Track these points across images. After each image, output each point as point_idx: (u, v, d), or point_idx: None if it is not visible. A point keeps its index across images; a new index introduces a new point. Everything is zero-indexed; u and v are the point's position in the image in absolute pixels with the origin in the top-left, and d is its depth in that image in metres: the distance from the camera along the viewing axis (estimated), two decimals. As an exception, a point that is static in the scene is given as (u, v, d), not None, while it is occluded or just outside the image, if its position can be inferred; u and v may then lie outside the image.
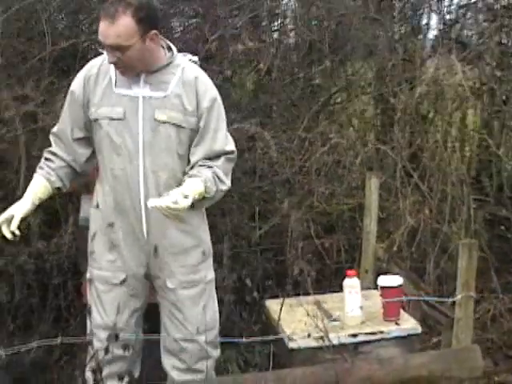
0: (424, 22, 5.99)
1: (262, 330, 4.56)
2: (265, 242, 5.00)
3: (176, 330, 3.21)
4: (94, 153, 3.23)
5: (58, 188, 3.22)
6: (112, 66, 3.06)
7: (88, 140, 3.21)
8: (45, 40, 4.46)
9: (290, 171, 4.96)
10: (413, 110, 5.16)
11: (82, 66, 3.23)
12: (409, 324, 3.45)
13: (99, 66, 3.12)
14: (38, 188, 3.15)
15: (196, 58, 3.25)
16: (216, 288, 4.53)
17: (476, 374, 3.18)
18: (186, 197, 2.86)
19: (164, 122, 3.05)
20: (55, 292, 4.60)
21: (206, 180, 3.00)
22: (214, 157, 3.10)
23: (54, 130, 3.27)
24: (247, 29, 5.06)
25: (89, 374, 3.06)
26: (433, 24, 5.95)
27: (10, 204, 4.13)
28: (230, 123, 4.74)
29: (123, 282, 3.17)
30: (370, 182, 4.45)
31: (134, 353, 3.26)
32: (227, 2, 5.08)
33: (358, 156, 5.09)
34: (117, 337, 2.90)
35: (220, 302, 4.59)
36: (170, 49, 3.15)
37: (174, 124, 3.06)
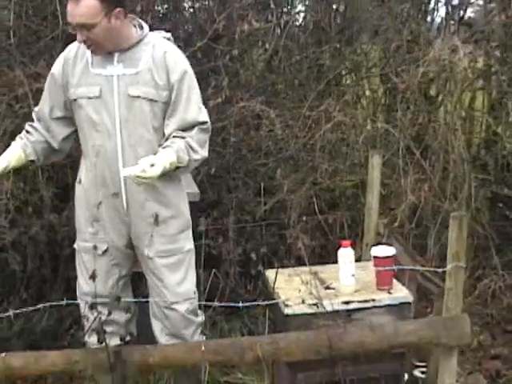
0: (430, 4, 6.06)
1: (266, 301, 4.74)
2: (270, 217, 5.12)
3: (157, 298, 3.36)
4: (73, 132, 3.40)
5: (32, 161, 3.39)
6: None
7: (67, 120, 3.37)
8: (57, 20, 4.61)
9: (294, 148, 5.08)
10: (416, 90, 5.22)
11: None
12: (400, 293, 3.54)
13: (77, 49, 3.29)
14: (13, 156, 3.31)
15: (169, 35, 3.39)
16: (222, 261, 4.73)
17: (464, 342, 3.27)
18: (152, 165, 3.00)
19: (137, 97, 3.20)
20: (66, 263, 4.75)
21: (178, 150, 3.14)
22: (187, 128, 3.23)
23: (36, 108, 3.47)
24: (254, 9, 5.16)
25: (91, 339, 3.34)
26: (439, 6, 6.03)
27: (24, 177, 4.34)
28: (236, 101, 4.93)
29: (105, 252, 3.35)
30: (372, 159, 4.49)
31: (126, 317, 3.46)
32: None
33: (361, 134, 5.18)
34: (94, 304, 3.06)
35: (226, 274, 4.79)
36: (142, 27, 3.29)
37: (146, 98, 3.20)
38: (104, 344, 3.01)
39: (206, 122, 3.31)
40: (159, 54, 3.22)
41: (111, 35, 3.14)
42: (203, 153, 3.30)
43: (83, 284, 3.48)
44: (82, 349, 3.27)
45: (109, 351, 3.00)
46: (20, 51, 4.59)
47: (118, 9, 3.11)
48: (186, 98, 3.24)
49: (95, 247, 3.31)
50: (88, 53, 3.24)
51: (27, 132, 3.40)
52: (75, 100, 3.27)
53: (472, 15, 6.14)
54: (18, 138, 3.39)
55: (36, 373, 3.15)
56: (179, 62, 3.25)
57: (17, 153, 3.33)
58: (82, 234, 3.47)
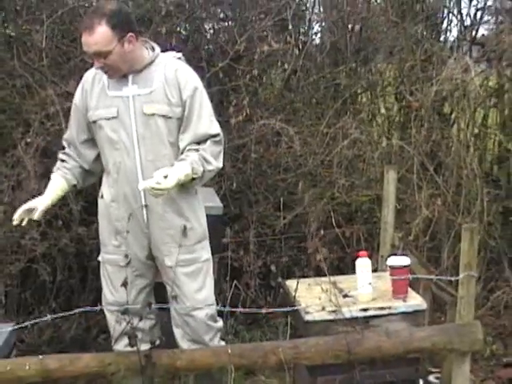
0: (443, 25, 6.24)
1: (286, 312, 4.89)
2: (289, 230, 5.29)
3: (176, 306, 3.50)
4: (100, 154, 3.57)
5: (74, 185, 3.61)
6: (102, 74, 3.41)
7: (93, 141, 3.55)
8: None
9: (312, 164, 5.25)
10: (430, 108, 5.38)
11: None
12: (415, 301, 3.69)
13: (93, 76, 3.47)
14: (57, 186, 3.53)
15: (180, 55, 3.55)
16: (243, 273, 4.89)
17: (477, 348, 3.43)
18: (166, 177, 3.16)
19: (152, 115, 3.36)
20: (94, 274, 4.91)
21: (192, 162, 3.30)
22: (201, 141, 3.38)
23: (65, 136, 3.66)
24: (273, 31, 5.34)
25: (118, 346, 3.55)
26: (452, 27, 6.20)
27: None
28: (256, 119, 5.11)
29: (128, 263, 3.45)
30: (387, 174, 4.63)
31: (151, 324, 3.62)
32: (255, 6, 5.40)
33: (376, 151, 5.34)
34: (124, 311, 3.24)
35: (246, 286, 4.94)
36: (153, 49, 3.47)
37: (161, 115, 3.37)
38: (135, 348, 3.20)
39: (218, 134, 3.46)
40: (171, 72, 3.39)
41: (126, 59, 3.32)
42: (217, 164, 3.44)
43: (108, 294, 3.64)
44: (115, 352, 3.43)
45: (140, 354, 3.19)
46: (52, 71, 4.78)
47: (129, 34, 3.29)
48: (198, 113, 3.40)
49: (119, 259, 3.49)
50: (104, 77, 3.42)
51: (62, 161, 3.60)
52: (94, 122, 3.45)
53: (484, 34, 6.30)
54: (55, 170, 3.58)
55: (71, 374, 3.27)
56: (190, 80, 3.42)
57: (60, 182, 3.53)
58: (105, 247, 3.62)
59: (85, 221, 4.87)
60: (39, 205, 3.37)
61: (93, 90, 3.45)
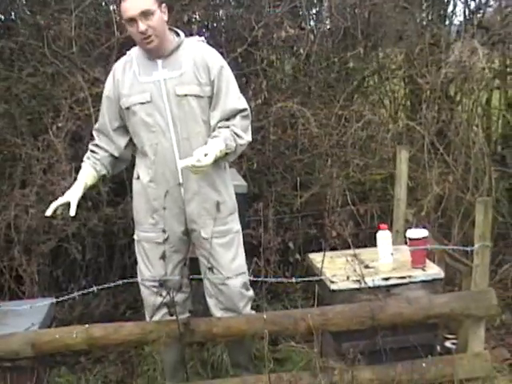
0: (449, 9, 6.43)
1: (304, 287, 5.10)
2: (306, 209, 5.49)
3: (212, 276, 3.69)
4: (130, 140, 3.75)
5: (104, 175, 3.80)
6: (134, 61, 3.60)
7: (124, 129, 3.73)
8: (111, 29, 5.00)
9: (328, 145, 5.42)
10: (438, 90, 5.58)
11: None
12: (433, 270, 3.92)
13: (124, 65, 3.65)
14: (87, 177, 3.70)
15: (202, 38, 3.77)
16: (262, 250, 5.08)
17: (491, 313, 3.66)
18: (206, 154, 3.35)
19: (185, 95, 3.55)
20: (121, 252, 5.16)
21: (226, 138, 3.50)
22: (230, 116, 3.58)
23: (96, 126, 3.81)
24: (288, 18, 5.51)
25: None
26: (458, 11, 6.39)
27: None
28: (274, 103, 5.29)
29: (165, 240, 3.62)
30: (400, 154, 4.82)
31: (184, 297, 3.82)
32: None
33: (389, 131, 5.53)
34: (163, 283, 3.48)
35: (266, 262, 5.14)
36: (178, 34, 3.66)
37: (193, 95, 3.56)
38: (174, 317, 3.42)
39: (246, 109, 3.66)
40: (198, 55, 3.59)
41: (163, 28, 3.52)
42: (247, 137, 3.65)
43: (145, 270, 3.79)
44: (155, 321, 3.64)
45: (179, 322, 3.41)
46: (80, 59, 4.97)
47: (163, 4, 3.52)
48: (226, 90, 3.60)
49: (156, 236, 3.67)
50: (134, 65, 3.61)
51: (92, 152, 3.77)
52: (128, 108, 3.61)
53: (489, 18, 6.46)
54: (85, 159, 3.76)
55: (115, 342, 3.50)
56: (216, 60, 3.62)
57: (90, 172, 3.72)
58: (141, 226, 3.78)
59: (112, 201, 5.07)
60: (72, 199, 3.52)
61: (124, 78, 3.61)
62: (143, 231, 3.77)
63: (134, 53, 3.65)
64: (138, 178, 3.72)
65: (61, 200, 3.51)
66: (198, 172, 3.43)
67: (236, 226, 3.80)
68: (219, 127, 3.57)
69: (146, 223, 3.74)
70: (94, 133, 3.81)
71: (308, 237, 5.42)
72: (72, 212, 3.49)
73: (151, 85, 3.56)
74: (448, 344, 4.32)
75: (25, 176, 4.84)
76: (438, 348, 4.12)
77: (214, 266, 3.68)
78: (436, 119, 5.60)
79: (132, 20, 3.43)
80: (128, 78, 3.61)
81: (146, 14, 3.41)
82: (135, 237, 3.83)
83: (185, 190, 3.62)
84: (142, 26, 3.42)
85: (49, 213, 3.48)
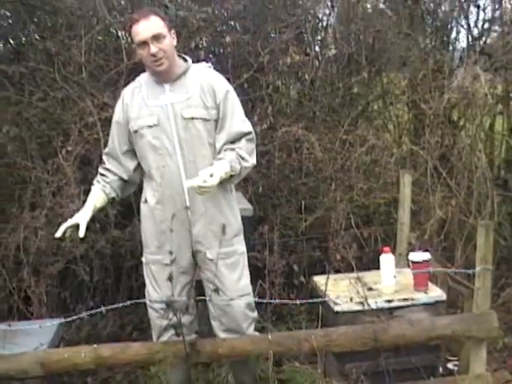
0: (452, 35, 6.53)
1: (308, 309, 5.15)
2: (310, 232, 5.54)
3: (216, 298, 3.71)
4: (139, 164, 3.81)
5: (113, 198, 3.86)
6: (143, 87, 3.69)
7: (132, 152, 3.79)
8: (120, 55, 5.10)
9: (332, 169, 5.50)
10: (441, 115, 5.66)
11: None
12: (435, 292, 3.99)
13: (132, 90, 3.74)
14: (97, 199, 3.77)
15: (209, 65, 3.86)
16: (267, 272, 5.13)
17: (493, 335, 3.69)
18: (211, 175, 3.41)
19: (191, 119, 3.63)
20: (128, 274, 5.22)
21: (231, 160, 3.56)
22: (235, 139, 3.65)
23: (106, 150, 3.87)
24: (293, 44, 5.61)
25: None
26: (460, 37, 6.48)
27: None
28: (279, 127, 5.37)
29: (172, 262, 3.67)
30: (403, 178, 4.89)
31: (190, 319, 3.84)
32: (276, 20, 5.67)
33: (392, 156, 5.61)
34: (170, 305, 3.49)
35: (271, 284, 5.18)
36: (185, 60, 3.75)
37: (199, 118, 3.63)
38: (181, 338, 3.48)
39: (251, 133, 3.73)
40: (204, 79, 3.68)
41: (173, 53, 3.62)
42: (252, 160, 3.71)
43: (152, 292, 3.83)
44: (162, 341, 3.70)
45: (185, 342, 3.47)
46: (89, 84, 5.06)
47: (173, 30, 3.64)
48: (231, 114, 3.67)
49: (163, 258, 3.72)
50: (143, 90, 3.69)
51: (102, 175, 3.83)
52: (136, 131, 3.69)
53: (492, 44, 6.55)
54: (95, 182, 3.82)
55: (122, 362, 3.56)
56: (221, 84, 3.71)
57: (99, 195, 3.78)
58: (148, 248, 3.83)
59: (120, 224, 5.13)
60: (81, 221, 3.57)
61: (133, 103, 3.70)
62: (150, 253, 3.82)
63: (143, 79, 3.74)
64: (146, 201, 3.78)
65: (70, 222, 3.57)
66: (203, 193, 3.47)
67: (241, 247, 3.85)
68: (225, 150, 3.64)
69: (153, 245, 3.79)
70: (104, 157, 3.86)
71: (312, 259, 5.47)
72: (81, 234, 3.55)
73: (159, 108, 3.64)
74: (450, 366, 4.37)
75: (34, 198, 4.91)
76: (441, 369, 4.19)
77: (219, 288, 3.71)
78: (439, 144, 5.66)
79: (144, 43, 3.52)
80: (136, 102, 3.69)
81: (157, 38, 3.51)
82: (143, 259, 3.87)
83: (191, 212, 3.68)
84: (154, 48, 3.51)
85: (58, 234, 3.53)
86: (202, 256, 3.76)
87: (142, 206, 3.82)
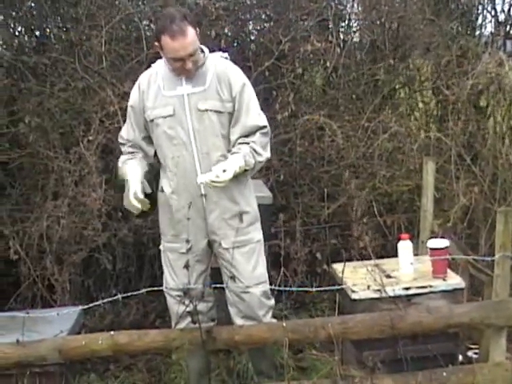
0: (478, 21, 6.44)
1: (331, 297, 5.13)
2: (333, 219, 5.53)
3: (233, 285, 3.75)
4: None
5: (148, 171, 3.84)
6: (159, 75, 3.68)
7: (150, 138, 3.81)
8: (141, 45, 5.13)
9: (354, 157, 5.48)
10: (466, 101, 5.60)
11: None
12: (454, 280, 3.95)
13: (149, 78, 3.73)
14: (139, 171, 3.73)
15: (226, 55, 3.83)
16: (290, 260, 5.13)
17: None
18: (224, 171, 3.44)
19: (206, 111, 3.64)
20: (151, 262, 5.25)
21: (245, 155, 3.57)
22: (250, 133, 3.65)
23: (125, 136, 3.84)
24: (315, 31, 5.59)
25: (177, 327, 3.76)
26: (486, 22, 6.40)
27: (114, 185, 4.80)
28: (301, 115, 5.36)
29: (189, 250, 3.67)
30: (426, 165, 4.87)
31: (208, 306, 3.88)
32: (298, 8, 5.64)
33: (415, 143, 5.57)
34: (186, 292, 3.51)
35: (294, 272, 5.19)
36: (202, 50, 3.72)
37: (214, 111, 3.64)
38: (197, 325, 3.49)
39: (266, 127, 3.72)
40: (221, 71, 3.67)
41: (199, 54, 3.64)
42: (266, 154, 3.71)
43: (170, 280, 3.87)
44: (178, 328, 3.71)
45: (202, 330, 3.49)
46: (110, 73, 5.09)
47: (197, 28, 3.60)
48: (246, 107, 3.67)
49: (179, 247, 3.75)
50: (158, 79, 3.69)
51: (130, 153, 3.84)
52: (152, 120, 3.70)
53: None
54: (128, 161, 3.78)
55: (139, 349, 3.59)
56: (238, 77, 3.70)
57: (139, 168, 3.75)
58: (166, 236, 3.87)
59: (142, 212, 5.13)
60: (137, 190, 3.63)
61: (149, 91, 3.70)
62: (167, 242, 3.86)
63: (159, 67, 3.74)
64: (162, 190, 3.80)
65: (132, 193, 3.61)
66: (215, 188, 3.51)
67: (257, 235, 3.85)
68: (239, 143, 3.65)
69: (170, 234, 3.82)
70: (125, 146, 3.86)
71: (335, 248, 5.43)
72: (147, 190, 3.69)
73: (175, 99, 3.65)
74: (470, 354, 4.34)
75: (57, 188, 4.96)
76: (461, 358, 4.15)
77: (235, 276, 3.75)
78: (463, 130, 5.60)
79: (180, 59, 3.53)
80: (153, 91, 3.70)
81: (193, 54, 3.54)
82: (161, 247, 3.92)
83: (206, 200, 3.69)
84: (189, 64, 3.54)
85: (140, 207, 3.65)
86: (217, 246, 3.78)
87: (160, 194, 3.84)
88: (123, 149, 3.88)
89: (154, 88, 3.70)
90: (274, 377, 3.97)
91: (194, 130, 3.63)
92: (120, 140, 3.90)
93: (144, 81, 3.75)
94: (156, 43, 3.57)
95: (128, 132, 3.84)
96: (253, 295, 3.78)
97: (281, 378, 3.94)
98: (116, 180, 4.85)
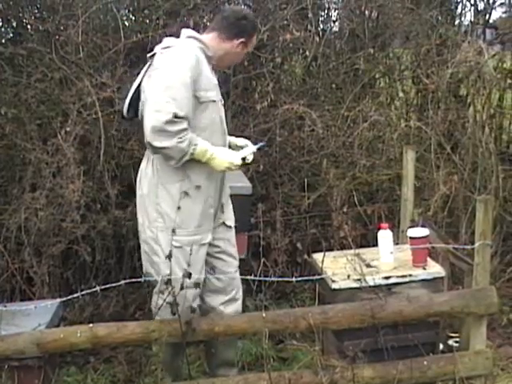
0: (458, 10, 6.46)
1: (312, 287, 5.13)
2: (313, 209, 5.52)
3: (227, 266, 3.84)
4: None
5: None
6: (203, 59, 3.59)
7: None
8: (118, 35, 5.06)
9: (334, 146, 5.48)
10: (446, 90, 5.61)
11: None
12: (434, 269, 3.95)
13: (197, 58, 3.52)
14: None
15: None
16: (270, 250, 5.12)
17: (492, 311, 3.71)
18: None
19: (220, 101, 3.75)
20: (131, 254, 5.21)
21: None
22: None
23: (182, 114, 3.41)
24: (294, 20, 5.56)
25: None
26: (465, 11, 6.42)
27: (92, 177, 4.76)
28: (280, 104, 5.34)
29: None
30: (406, 154, 4.85)
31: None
32: (276, -3, 5.62)
33: (395, 132, 5.57)
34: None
35: (274, 262, 5.18)
36: None
37: (222, 103, 3.78)
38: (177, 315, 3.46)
39: None
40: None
41: None
42: None
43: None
44: (157, 319, 3.67)
45: (181, 321, 3.46)
46: (87, 64, 5.03)
47: None
48: None
49: (202, 238, 3.67)
50: (204, 63, 3.60)
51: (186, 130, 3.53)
52: (203, 102, 3.55)
53: (496, 18, 6.51)
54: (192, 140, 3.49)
55: (118, 341, 3.57)
56: None
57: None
58: (186, 229, 3.62)
59: (121, 204, 5.10)
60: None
61: (201, 73, 3.54)
62: (188, 235, 3.65)
63: (197, 51, 3.59)
64: (189, 180, 3.62)
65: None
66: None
67: None
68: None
69: (193, 226, 3.65)
70: (183, 121, 3.44)
71: (316, 237, 5.43)
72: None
73: (215, 86, 3.69)
74: (451, 342, 4.35)
75: (34, 180, 4.89)
76: (441, 346, 4.16)
77: (231, 253, 3.90)
78: (443, 119, 5.61)
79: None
80: (206, 73, 3.59)
81: None
82: (174, 243, 3.59)
83: (224, 185, 3.84)
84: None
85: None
86: (222, 224, 3.84)
87: (181, 185, 3.62)
88: (180, 126, 3.41)
89: (203, 69, 3.57)
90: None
91: (222, 120, 3.72)
92: (174, 117, 3.39)
93: (200, 59, 3.56)
94: (243, 39, 3.69)
95: (188, 107, 3.47)
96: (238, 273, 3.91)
97: (261, 369, 3.94)
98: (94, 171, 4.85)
